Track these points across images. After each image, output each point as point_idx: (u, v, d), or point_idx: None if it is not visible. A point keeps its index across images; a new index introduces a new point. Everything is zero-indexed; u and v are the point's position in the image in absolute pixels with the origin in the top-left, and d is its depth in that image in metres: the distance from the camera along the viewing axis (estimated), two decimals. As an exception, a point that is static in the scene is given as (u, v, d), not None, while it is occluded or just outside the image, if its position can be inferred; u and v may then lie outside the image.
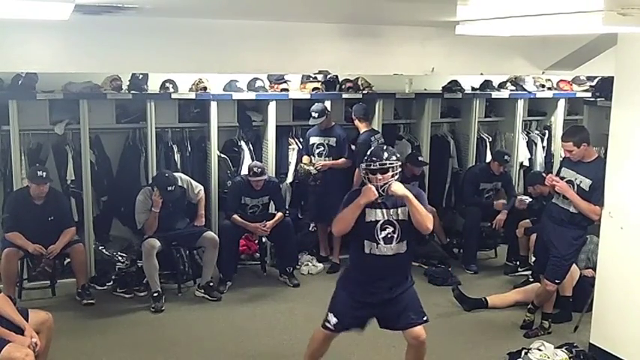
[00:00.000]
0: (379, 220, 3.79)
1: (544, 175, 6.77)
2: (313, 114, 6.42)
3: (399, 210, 3.79)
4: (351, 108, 6.78)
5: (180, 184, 5.85)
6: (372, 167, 3.74)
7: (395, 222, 3.78)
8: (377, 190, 3.72)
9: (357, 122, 6.66)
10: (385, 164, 3.74)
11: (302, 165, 6.58)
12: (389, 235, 3.79)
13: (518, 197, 6.86)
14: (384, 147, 3.93)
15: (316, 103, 6.52)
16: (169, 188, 5.66)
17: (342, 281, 4.03)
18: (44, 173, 5.40)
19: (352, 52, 5.55)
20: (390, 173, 3.75)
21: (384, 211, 3.79)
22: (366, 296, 3.87)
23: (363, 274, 3.91)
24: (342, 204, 3.83)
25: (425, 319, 3.90)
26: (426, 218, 3.74)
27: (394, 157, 3.78)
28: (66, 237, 5.55)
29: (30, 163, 5.87)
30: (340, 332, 3.95)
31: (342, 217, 3.80)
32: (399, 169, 3.82)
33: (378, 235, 3.79)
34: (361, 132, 6.61)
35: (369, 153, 3.85)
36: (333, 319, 3.88)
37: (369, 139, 6.51)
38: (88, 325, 5.30)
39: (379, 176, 3.73)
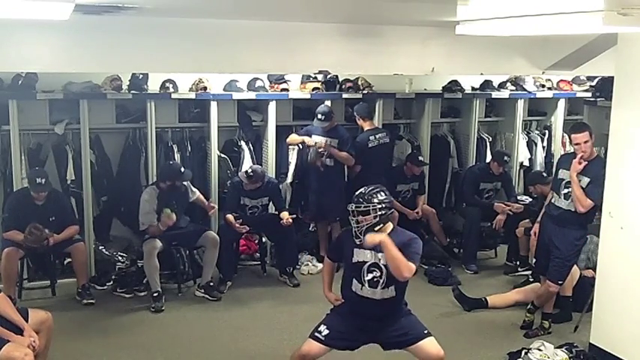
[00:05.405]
0: (367, 262, 3.75)
1: (544, 174, 6.80)
2: (319, 116, 6.33)
3: (380, 255, 3.70)
4: (352, 108, 6.77)
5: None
6: (350, 209, 3.73)
7: (382, 266, 3.71)
8: (356, 233, 3.72)
9: (360, 122, 6.65)
10: (360, 206, 3.70)
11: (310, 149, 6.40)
12: (374, 279, 3.74)
13: (516, 203, 6.84)
14: (373, 188, 3.79)
15: (322, 105, 6.46)
16: (182, 170, 5.81)
17: (336, 308, 3.98)
18: (43, 180, 5.35)
19: (352, 52, 5.55)
20: (372, 215, 3.70)
21: (372, 253, 3.74)
22: (357, 327, 3.82)
23: (350, 309, 3.88)
24: (335, 240, 3.79)
25: (425, 332, 3.79)
26: (401, 266, 3.54)
27: (376, 200, 3.71)
28: (69, 231, 5.54)
29: (30, 163, 5.87)
30: (327, 348, 3.80)
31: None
32: (383, 212, 3.72)
33: (364, 278, 3.76)
34: (365, 130, 6.61)
35: (357, 193, 3.79)
36: (325, 331, 3.78)
37: (367, 138, 6.52)
38: (88, 325, 5.30)
39: (360, 217, 3.71)
